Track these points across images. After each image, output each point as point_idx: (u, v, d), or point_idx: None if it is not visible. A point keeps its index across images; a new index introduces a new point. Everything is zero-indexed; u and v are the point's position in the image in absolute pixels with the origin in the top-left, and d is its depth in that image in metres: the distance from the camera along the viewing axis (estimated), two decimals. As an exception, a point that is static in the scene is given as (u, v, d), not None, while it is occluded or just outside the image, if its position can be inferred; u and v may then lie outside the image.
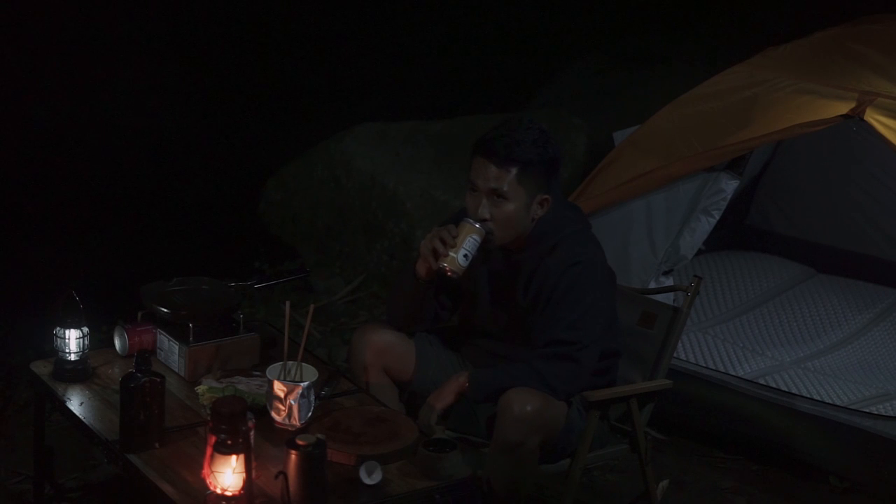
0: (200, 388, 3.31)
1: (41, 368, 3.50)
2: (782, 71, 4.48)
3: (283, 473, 2.82)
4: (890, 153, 4.07)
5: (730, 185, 4.55)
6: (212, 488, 2.83)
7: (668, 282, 4.58)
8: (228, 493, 2.81)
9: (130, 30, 7.46)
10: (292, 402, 3.15)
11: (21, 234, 5.84)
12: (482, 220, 3.34)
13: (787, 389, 4.30)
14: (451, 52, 8.01)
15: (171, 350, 3.49)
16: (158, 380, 3.09)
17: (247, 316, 3.59)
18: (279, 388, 3.17)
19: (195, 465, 2.96)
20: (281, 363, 3.22)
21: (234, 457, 2.80)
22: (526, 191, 3.34)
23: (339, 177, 5.87)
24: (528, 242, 3.43)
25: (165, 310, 3.48)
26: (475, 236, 3.33)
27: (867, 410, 4.16)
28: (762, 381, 4.35)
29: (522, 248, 3.43)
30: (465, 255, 3.32)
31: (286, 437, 2.91)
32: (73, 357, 3.44)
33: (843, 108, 4.14)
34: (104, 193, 6.40)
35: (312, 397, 3.19)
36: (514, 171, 3.32)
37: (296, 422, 3.17)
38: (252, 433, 2.98)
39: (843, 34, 4.74)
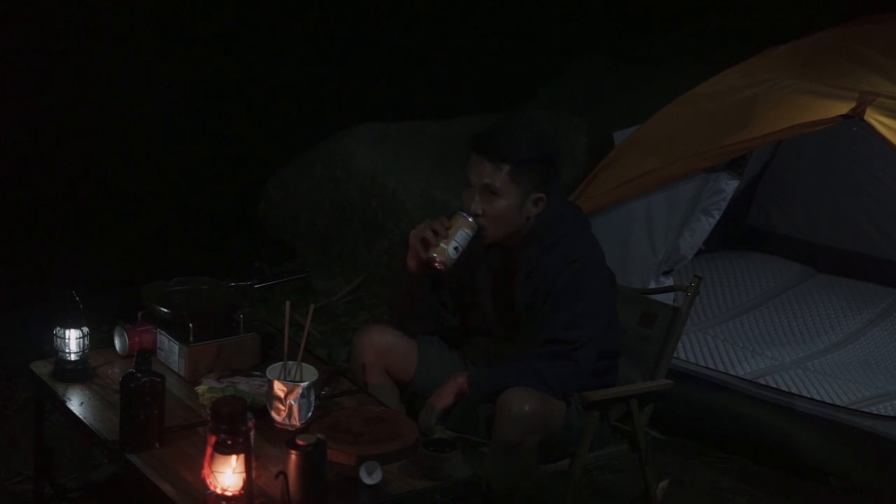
0: (200, 388, 3.31)
1: (41, 368, 3.50)
2: (782, 71, 4.48)
3: (283, 473, 2.82)
4: (890, 153, 4.07)
5: (730, 185, 4.55)
6: (212, 488, 2.83)
7: (668, 282, 4.58)
8: (228, 493, 2.81)
9: (131, 29, 7.45)
10: (292, 402, 3.15)
11: (21, 234, 5.83)
12: (475, 216, 3.35)
13: (787, 389, 4.30)
14: (451, 52, 8.00)
15: (171, 350, 3.49)
16: (158, 380, 3.09)
17: (247, 316, 3.59)
18: (279, 388, 3.17)
19: (195, 465, 2.96)
20: (281, 363, 3.22)
21: (234, 457, 2.80)
22: (519, 188, 3.35)
23: (339, 177, 5.86)
24: (527, 240, 3.42)
25: (165, 310, 3.48)
26: (467, 230, 3.33)
27: (867, 410, 4.16)
28: (762, 381, 4.35)
29: (521, 245, 3.43)
30: (456, 248, 3.32)
31: (286, 437, 2.91)
32: (73, 357, 3.44)
33: (843, 108, 4.14)
34: (104, 193, 6.40)
35: (312, 397, 3.19)
36: (506, 168, 3.33)
37: (296, 422, 3.17)
38: (252, 433, 2.98)
39: (843, 34, 4.74)
